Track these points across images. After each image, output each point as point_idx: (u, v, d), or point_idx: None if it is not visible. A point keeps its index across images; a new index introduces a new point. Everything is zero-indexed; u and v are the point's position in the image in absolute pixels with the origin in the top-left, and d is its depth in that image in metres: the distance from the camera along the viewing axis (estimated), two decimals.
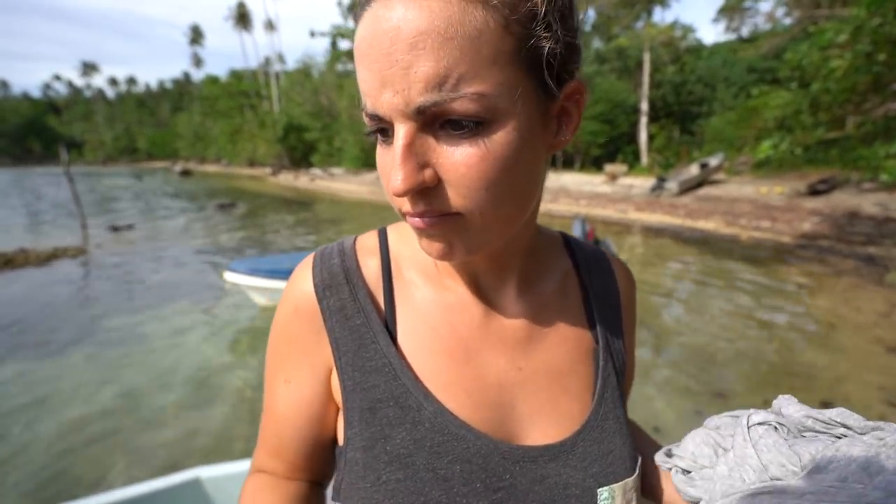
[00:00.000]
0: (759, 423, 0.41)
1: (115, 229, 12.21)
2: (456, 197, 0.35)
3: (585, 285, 0.53)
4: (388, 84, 0.32)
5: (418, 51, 0.31)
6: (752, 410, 0.44)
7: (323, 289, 0.45)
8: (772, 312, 5.69)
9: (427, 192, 0.35)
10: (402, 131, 0.33)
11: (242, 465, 1.30)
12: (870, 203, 10.43)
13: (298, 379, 0.46)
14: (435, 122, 0.34)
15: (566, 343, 0.49)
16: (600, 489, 0.43)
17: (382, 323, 0.45)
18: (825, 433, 0.39)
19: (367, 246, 0.49)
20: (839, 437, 0.38)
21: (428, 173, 0.34)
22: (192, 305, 6.18)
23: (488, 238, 0.38)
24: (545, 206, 15.56)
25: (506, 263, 0.47)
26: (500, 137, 0.34)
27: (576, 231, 6.82)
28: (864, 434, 0.37)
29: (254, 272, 5.42)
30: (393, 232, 0.51)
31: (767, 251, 8.92)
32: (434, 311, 0.46)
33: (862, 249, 8.42)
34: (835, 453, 0.35)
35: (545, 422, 0.45)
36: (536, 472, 0.42)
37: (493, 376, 0.45)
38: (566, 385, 0.47)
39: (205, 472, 1.26)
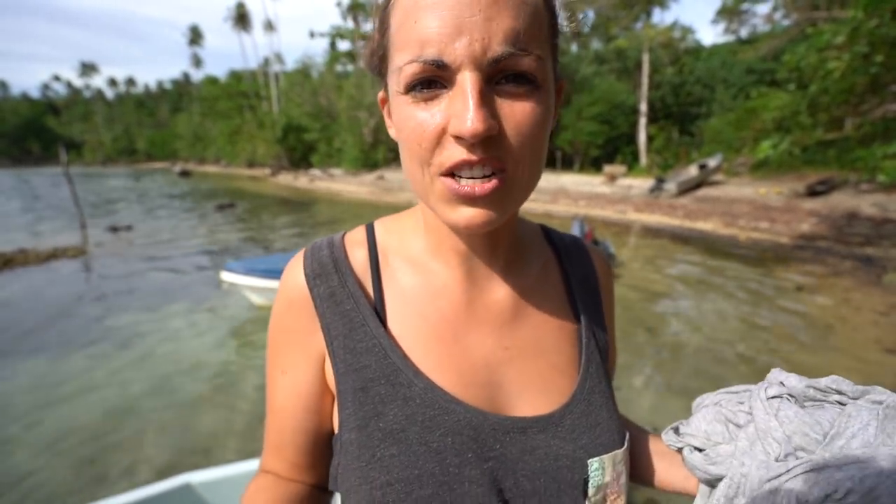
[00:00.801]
0: (775, 397, 0.42)
1: (115, 230, 12.21)
2: (509, 150, 0.36)
3: (566, 271, 0.55)
4: (465, 32, 0.34)
5: (500, 6, 0.34)
6: (760, 385, 0.45)
7: (313, 277, 0.47)
8: (770, 313, 5.70)
9: (487, 142, 0.36)
10: (474, 77, 0.34)
11: (233, 469, 1.29)
12: (868, 204, 10.46)
13: (294, 368, 0.48)
14: (498, 75, 0.36)
15: (550, 322, 0.50)
16: (591, 460, 0.44)
17: (371, 307, 0.46)
18: (824, 400, 0.40)
19: (355, 239, 0.52)
20: (839, 404, 0.39)
21: (494, 121, 0.35)
22: (192, 305, 6.18)
23: (519, 201, 0.40)
24: (544, 206, 15.58)
25: (496, 244, 0.48)
26: (544, 102, 0.38)
27: (575, 232, 6.84)
28: (857, 398, 0.39)
29: (250, 272, 5.44)
30: (380, 225, 0.53)
31: (766, 252, 8.95)
32: (421, 296, 0.47)
33: (860, 250, 8.44)
34: (848, 419, 0.36)
35: (534, 395, 0.47)
36: (526, 443, 0.44)
37: (481, 356, 0.46)
38: (553, 361, 0.49)
39: (195, 478, 1.26)
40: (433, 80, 0.36)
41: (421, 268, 0.49)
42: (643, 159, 21.69)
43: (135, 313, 5.90)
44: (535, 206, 15.82)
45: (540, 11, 0.37)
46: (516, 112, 0.36)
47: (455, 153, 0.36)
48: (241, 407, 3.68)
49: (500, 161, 0.37)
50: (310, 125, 36.21)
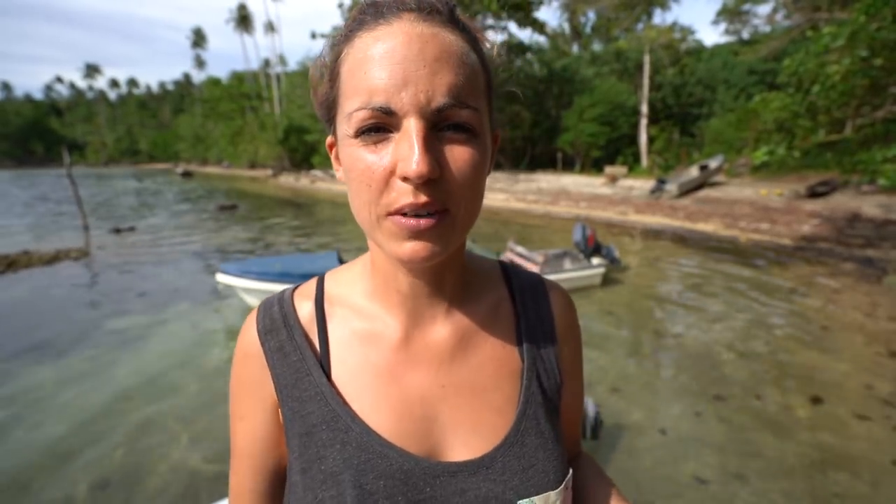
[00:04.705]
0: None
1: (118, 231, 12.26)
2: (450, 192, 0.40)
3: (518, 312, 0.56)
4: (410, 83, 0.37)
5: (443, 63, 0.39)
6: None
7: (265, 333, 0.51)
8: (770, 314, 5.71)
9: (430, 184, 0.39)
10: (419, 124, 0.38)
11: None
12: (869, 205, 10.45)
13: (252, 415, 0.51)
14: (441, 124, 0.39)
15: (491, 362, 0.52)
16: (520, 501, 0.46)
17: (315, 358, 0.50)
18: None
19: (304, 292, 0.55)
20: None
21: (437, 166, 0.39)
22: (193, 307, 6.22)
23: (460, 237, 0.43)
24: (545, 207, 15.59)
25: (441, 283, 0.50)
26: (481, 149, 0.42)
27: (576, 235, 6.85)
28: None
29: (244, 274, 5.48)
30: (329, 278, 0.57)
31: (766, 253, 8.95)
32: (363, 340, 0.50)
33: (861, 252, 8.44)
34: None
35: (467, 435, 0.49)
36: (456, 486, 0.46)
37: (417, 393, 0.49)
38: (489, 400, 0.50)
39: None
40: (381, 126, 0.39)
41: (364, 313, 0.52)
42: (644, 160, 21.68)
43: (137, 315, 5.93)
44: (536, 207, 15.82)
45: (477, 71, 0.42)
46: (456, 157, 0.39)
47: (402, 196, 0.39)
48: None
49: (442, 203, 0.39)
50: (311, 126, 36.25)
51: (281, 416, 0.50)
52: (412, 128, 0.37)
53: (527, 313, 0.56)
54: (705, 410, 3.59)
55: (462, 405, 0.49)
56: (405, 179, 0.38)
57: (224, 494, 2.05)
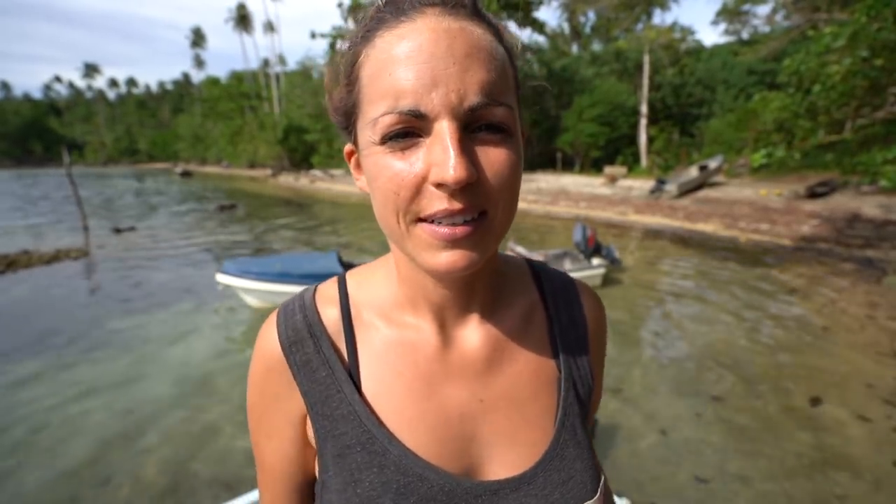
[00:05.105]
0: None
1: (117, 231, 12.25)
2: (488, 193, 0.37)
3: (551, 316, 0.54)
4: (441, 83, 0.35)
5: (474, 59, 0.36)
6: None
7: (289, 346, 0.47)
8: (770, 314, 5.72)
9: (466, 189, 0.36)
10: (452, 126, 0.35)
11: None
12: (869, 206, 10.47)
13: (279, 432, 0.49)
14: (473, 125, 0.37)
15: (528, 373, 0.50)
16: None
17: (346, 371, 0.47)
18: None
19: (326, 295, 0.51)
20: None
21: (474, 169, 0.36)
22: (193, 306, 6.21)
23: (496, 242, 0.41)
24: (545, 207, 15.59)
25: (472, 291, 0.48)
26: (516, 149, 0.39)
27: (576, 236, 6.85)
28: None
29: (244, 274, 5.49)
30: (351, 279, 0.53)
31: (766, 254, 8.95)
32: (395, 352, 0.48)
33: (860, 252, 8.45)
34: None
35: (507, 450, 0.47)
36: None
37: (455, 409, 0.47)
38: (527, 414, 0.49)
39: None
40: (409, 130, 0.37)
41: (394, 321, 0.49)
42: (644, 160, 21.69)
43: (136, 315, 5.93)
44: (536, 207, 15.82)
45: (506, 66, 0.39)
46: (492, 160, 0.37)
47: (435, 202, 0.36)
48: (237, 407, 3.70)
49: (479, 206, 0.37)
50: (311, 126, 36.25)
51: (311, 432, 0.48)
52: (445, 130, 0.35)
53: (560, 318, 0.54)
54: (705, 411, 3.60)
55: (500, 420, 0.48)
56: (440, 186, 0.36)
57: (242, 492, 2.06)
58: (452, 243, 0.37)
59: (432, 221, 0.37)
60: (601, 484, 0.49)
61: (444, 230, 0.37)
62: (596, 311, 0.58)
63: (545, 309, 0.55)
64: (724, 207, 12.50)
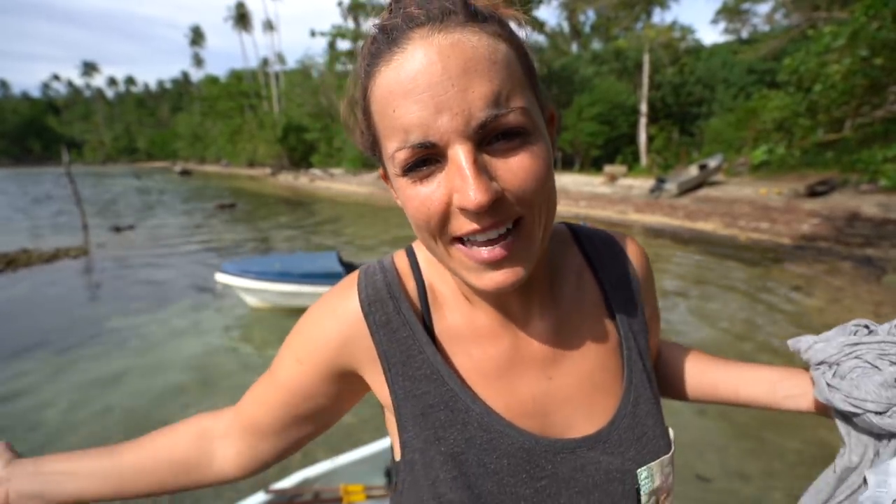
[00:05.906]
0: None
1: (117, 230, 12.25)
2: (517, 202, 0.38)
3: (600, 278, 0.55)
4: (444, 109, 0.35)
5: (471, 74, 0.35)
6: (869, 327, 0.50)
7: (369, 304, 0.48)
8: (770, 313, 5.73)
9: (494, 204, 0.37)
10: (465, 149, 0.36)
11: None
12: (868, 205, 10.47)
13: (313, 367, 0.49)
14: (488, 137, 0.37)
15: (590, 343, 0.52)
16: (639, 469, 0.47)
17: (426, 333, 0.48)
18: None
19: (403, 263, 0.52)
20: None
21: (495, 185, 0.37)
22: (192, 305, 6.21)
23: (542, 242, 0.41)
24: None
25: (530, 284, 0.49)
26: (540, 145, 0.39)
27: None
28: None
29: (244, 273, 5.49)
30: (420, 252, 0.53)
31: (766, 252, 8.97)
32: (465, 335, 0.49)
33: (860, 251, 8.46)
34: None
35: (580, 415, 0.49)
36: (576, 462, 0.47)
37: (526, 389, 0.48)
38: (596, 381, 0.50)
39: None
40: (426, 158, 0.37)
41: (463, 305, 0.50)
42: (644, 159, 21.69)
43: (136, 314, 5.92)
44: None
45: (511, 62, 0.38)
46: (514, 168, 0.37)
47: (465, 223, 0.38)
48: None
49: (513, 214, 0.38)
50: (310, 125, 36.24)
51: (388, 393, 0.47)
52: (459, 155, 0.36)
53: (609, 278, 0.55)
54: (707, 409, 3.60)
55: (571, 393, 0.49)
56: (464, 210, 0.37)
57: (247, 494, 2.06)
58: (496, 264, 0.39)
59: (467, 241, 0.39)
60: (671, 437, 0.51)
61: (481, 253, 0.38)
62: (641, 257, 0.59)
63: (592, 270, 0.55)
64: (723, 206, 12.50)
